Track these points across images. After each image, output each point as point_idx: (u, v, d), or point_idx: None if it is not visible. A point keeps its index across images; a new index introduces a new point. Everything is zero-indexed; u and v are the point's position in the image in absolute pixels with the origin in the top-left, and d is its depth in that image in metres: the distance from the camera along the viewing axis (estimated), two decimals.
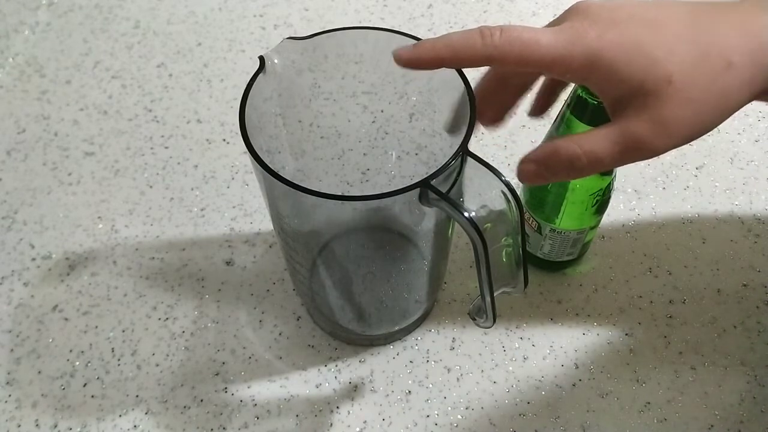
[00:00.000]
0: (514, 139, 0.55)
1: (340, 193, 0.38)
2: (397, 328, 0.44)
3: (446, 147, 0.37)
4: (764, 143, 0.55)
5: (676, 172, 0.53)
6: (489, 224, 0.32)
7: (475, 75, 0.60)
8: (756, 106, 0.57)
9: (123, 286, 0.47)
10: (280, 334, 0.45)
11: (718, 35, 0.28)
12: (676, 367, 0.43)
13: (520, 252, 0.32)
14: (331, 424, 0.41)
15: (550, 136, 0.40)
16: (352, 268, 0.46)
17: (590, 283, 0.47)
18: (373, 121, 0.42)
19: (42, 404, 0.43)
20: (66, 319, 0.46)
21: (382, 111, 0.41)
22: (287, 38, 0.35)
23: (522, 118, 0.56)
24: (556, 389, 0.43)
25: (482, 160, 0.31)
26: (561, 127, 0.38)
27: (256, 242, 0.49)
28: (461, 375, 0.43)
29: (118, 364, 0.44)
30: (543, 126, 0.55)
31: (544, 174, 0.30)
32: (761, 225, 0.50)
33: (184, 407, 0.42)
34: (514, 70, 0.34)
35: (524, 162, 0.30)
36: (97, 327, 0.46)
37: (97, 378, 0.43)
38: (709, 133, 0.57)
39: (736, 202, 0.51)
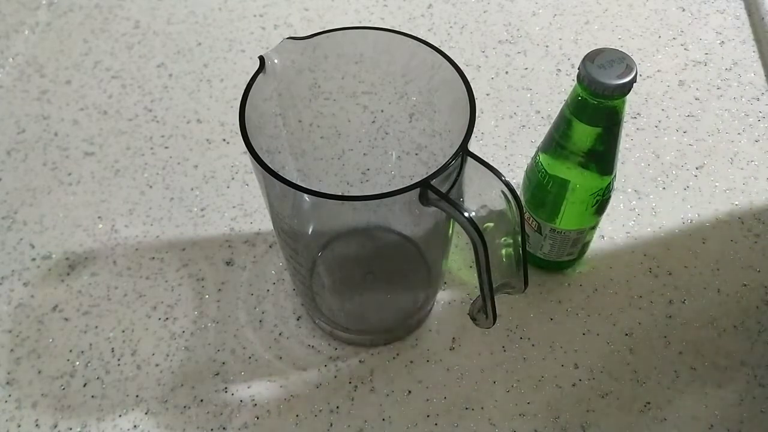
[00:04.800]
0: (514, 139, 0.55)
1: (340, 193, 0.38)
2: (397, 328, 0.44)
3: (446, 147, 0.37)
4: (764, 143, 0.55)
5: (676, 172, 0.53)
6: (489, 224, 0.32)
7: (475, 75, 0.60)
8: (756, 106, 0.57)
9: (123, 286, 0.47)
10: (280, 334, 0.45)
11: None
12: (676, 367, 0.43)
13: (520, 252, 0.32)
14: (331, 424, 0.41)
15: (550, 137, 0.40)
16: (352, 268, 0.46)
17: (590, 283, 0.47)
18: (373, 121, 0.42)
19: (42, 404, 0.43)
20: (66, 319, 0.46)
21: (382, 111, 0.41)
22: (287, 38, 0.35)
23: (522, 118, 0.57)
24: (556, 389, 0.43)
25: (482, 160, 0.31)
26: (561, 127, 0.38)
27: (256, 242, 0.49)
28: (461, 375, 0.43)
29: (118, 364, 0.44)
30: (543, 126, 0.55)
31: None
32: (761, 225, 0.50)
33: (184, 407, 0.42)
34: None
35: None
36: (97, 327, 0.46)
37: (97, 378, 0.43)
38: (709, 133, 0.58)
39: (736, 202, 0.51)
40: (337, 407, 0.42)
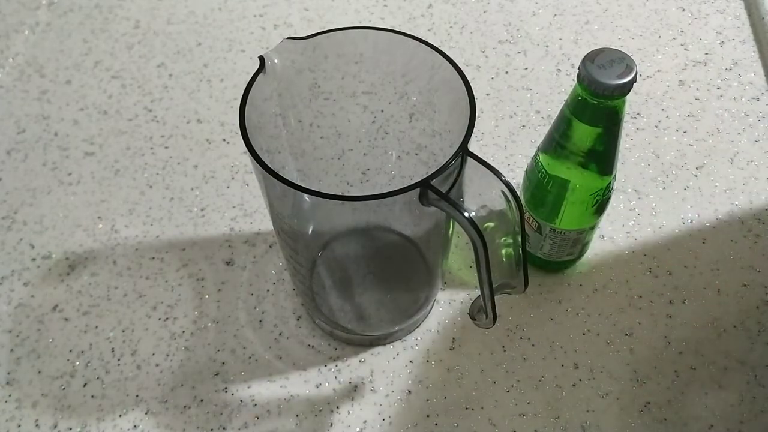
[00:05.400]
0: (514, 139, 0.55)
1: (340, 193, 0.38)
2: (397, 328, 0.44)
3: (446, 147, 0.37)
4: (764, 143, 0.55)
5: (676, 172, 0.53)
6: (489, 224, 0.32)
7: (475, 75, 0.60)
8: (756, 106, 0.57)
9: (123, 286, 0.47)
10: (280, 334, 0.45)
11: None
12: (676, 367, 0.43)
13: (520, 252, 0.32)
14: (331, 424, 0.41)
15: (550, 137, 0.40)
16: (352, 268, 0.46)
17: (590, 283, 0.47)
18: (373, 121, 0.42)
19: (42, 404, 0.43)
20: (66, 319, 0.46)
21: (382, 111, 0.41)
22: (287, 38, 0.35)
23: (522, 118, 0.57)
24: (556, 389, 0.43)
25: (482, 160, 0.31)
26: (561, 127, 0.38)
27: (256, 242, 0.49)
28: (461, 375, 0.43)
29: (118, 364, 0.44)
30: (543, 126, 0.55)
31: None
32: (761, 225, 0.50)
33: (184, 407, 0.42)
34: None
35: None
36: (97, 327, 0.46)
37: (97, 378, 0.43)
38: (709, 133, 0.58)
39: (736, 202, 0.51)
40: (337, 407, 0.42)
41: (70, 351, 0.45)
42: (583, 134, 0.37)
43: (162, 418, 0.42)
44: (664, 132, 0.55)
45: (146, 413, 0.42)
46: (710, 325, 0.45)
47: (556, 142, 0.39)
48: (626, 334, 0.45)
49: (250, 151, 0.31)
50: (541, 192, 0.42)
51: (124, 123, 0.57)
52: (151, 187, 0.53)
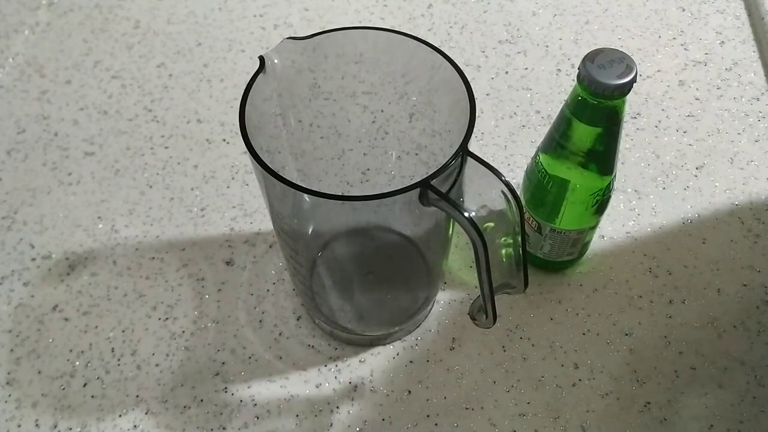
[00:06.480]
0: (514, 139, 0.55)
1: (340, 193, 0.38)
2: (397, 328, 0.44)
3: (446, 147, 0.37)
4: (764, 143, 0.55)
5: (676, 172, 0.53)
6: (489, 224, 0.32)
7: (475, 75, 0.60)
8: (756, 106, 0.57)
9: (123, 286, 0.47)
10: (280, 334, 0.45)
11: None
12: (676, 367, 0.43)
13: (520, 252, 0.32)
14: (331, 424, 0.41)
15: (550, 137, 0.40)
16: (352, 268, 0.46)
17: (590, 283, 0.47)
18: (373, 121, 0.42)
19: (42, 404, 0.43)
20: (66, 319, 0.46)
21: (382, 111, 0.41)
22: (287, 38, 0.35)
23: (522, 118, 0.57)
24: (556, 389, 0.43)
25: (482, 160, 0.31)
26: (561, 127, 0.38)
27: (256, 242, 0.49)
28: (461, 375, 0.43)
29: (118, 364, 0.44)
30: (543, 126, 0.55)
31: None
32: (761, 225, 0.50)
33: (184, 407, 0.42)
34: None
35: None
36: (97, 327, 0.46)
37: (97, 378, 0.43)
38: (709, 133, 0.58)
39: (736, 202, 0.51)
40: (337, 407, 0.42)
41: (70, 351, 0.45)
42: (583, 134, 0.37)
43: (162, 418, 0.42)
44: (664, 132, 0.55)
45: (146, 413, 0.42)
46: (710, 325, 0.45)
47: (556, 142, 0.39)
48: (626, 334, 0.45)
49: (250, 151, 0.31)
50: (541, 192, 0.42)
51: (124, 123, 0.57)
52: (151, 187, 0.53)
